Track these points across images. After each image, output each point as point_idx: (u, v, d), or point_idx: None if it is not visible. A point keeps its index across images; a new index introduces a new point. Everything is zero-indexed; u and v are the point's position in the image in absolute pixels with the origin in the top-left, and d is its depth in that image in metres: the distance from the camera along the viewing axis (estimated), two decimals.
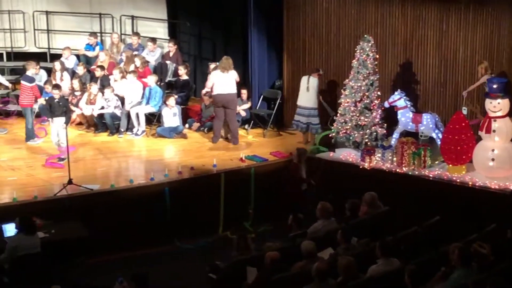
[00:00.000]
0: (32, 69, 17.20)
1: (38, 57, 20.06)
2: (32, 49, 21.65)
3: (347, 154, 15.54)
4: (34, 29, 21.58)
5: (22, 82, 17.30)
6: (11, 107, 19.41)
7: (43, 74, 18.62)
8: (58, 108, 15.61)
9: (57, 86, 16.50)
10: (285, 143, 17.25)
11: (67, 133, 14.84)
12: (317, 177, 15.02)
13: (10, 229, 12.27)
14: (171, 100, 17.53)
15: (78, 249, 12.70)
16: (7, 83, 18.50)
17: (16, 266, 11.62)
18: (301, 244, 10.45)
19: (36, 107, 17.45)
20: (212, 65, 17.83)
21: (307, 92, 16.87)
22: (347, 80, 15.78)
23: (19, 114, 18.35)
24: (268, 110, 18.45)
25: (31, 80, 17.07)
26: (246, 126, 18.19)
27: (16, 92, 19.77)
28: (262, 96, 18.52)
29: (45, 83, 17.81)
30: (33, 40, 21.64)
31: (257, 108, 18.49)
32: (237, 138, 17.22)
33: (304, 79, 16.96)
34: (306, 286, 9.32)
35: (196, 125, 18.26)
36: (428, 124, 15.27)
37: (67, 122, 15.48)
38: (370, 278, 9.65)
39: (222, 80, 16.78)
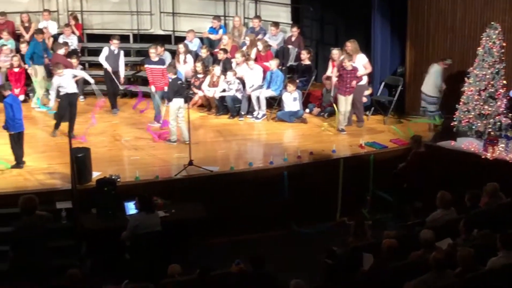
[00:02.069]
0: (153, 53, 17.48)
1: (163, 40, 20.43)
2: (158, 31, 22.07)
3: (469, 144, 15.25)
4: (160, 12, 21.96)
5: (146, 65, 17.81)
6: (135, 88, 19.85)
7: (167, 56, 18.93)
8: (180, 89, 15.87)
9: (174, 67, 16.71)
10: (405, 130, 17.01)
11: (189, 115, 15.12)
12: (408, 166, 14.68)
13: (132, 207, 12.59)
14: (292, 85, 17.57)
15: (197, 229, 12.94)
16: (87, 77, 17.81)
17: (138, 244, 11.93)
18: (420, 233, 10.34)
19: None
20: (334, 51, 17.75)
21: (427, 79, 16.85)
22: (471, 68, 15.43)
23: (146, 96, 18.71)
24: (389, 97, 18.24)
25: (155, 63, 17.40)
26: (367, 112, 18.02)
27: (141, 74, 20.26)
28: (383, 83, 18.32)
29: (169, 65, 18.12)
30: (159, 23, 22.04)
31: (378, 94, 18.31)
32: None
33: (430, 66, 16.82)
34: (424, 276, 9.23)
35: (316, 110, 18.24)
36: None
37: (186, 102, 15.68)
38: (490, 270, 9.47)
39: None
